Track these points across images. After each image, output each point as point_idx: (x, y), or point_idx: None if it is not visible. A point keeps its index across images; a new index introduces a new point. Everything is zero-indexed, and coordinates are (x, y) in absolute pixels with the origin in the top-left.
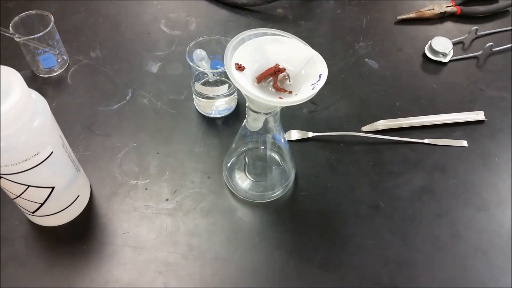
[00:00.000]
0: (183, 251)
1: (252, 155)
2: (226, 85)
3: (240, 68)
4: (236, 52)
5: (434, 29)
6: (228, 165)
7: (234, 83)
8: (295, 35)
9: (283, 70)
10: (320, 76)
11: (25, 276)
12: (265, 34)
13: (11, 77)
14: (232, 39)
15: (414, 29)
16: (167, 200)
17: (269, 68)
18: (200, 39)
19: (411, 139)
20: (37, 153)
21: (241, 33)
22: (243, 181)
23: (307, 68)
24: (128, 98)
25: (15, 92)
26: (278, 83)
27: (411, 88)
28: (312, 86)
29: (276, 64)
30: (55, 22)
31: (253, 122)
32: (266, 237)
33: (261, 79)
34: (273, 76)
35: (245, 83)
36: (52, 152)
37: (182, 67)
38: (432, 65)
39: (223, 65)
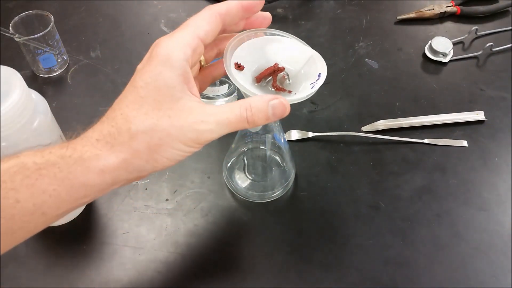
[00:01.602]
0: (183, 251)
1: (252, 155)
2: (226, 85)
3: (239, 67)
4: (235, 52)
5: (434, 29)
6: (228, 165)
7: (234, 83)
8: (295, 35)
9: (282, 69)
10: (319, 75)
11: (25, 276)
12: (265, 34)
13: (11, 77)
14: (232, 39)
15: (414, 29)
16: (167, 200)
17: (268, 68)
18: None
19: (411, 139)
20: None
21: (241, 33)
22: (243, 181)
23: (306, 67)
24: None
25: (15, 92)
26: (278, 83)
27: (411, 88)
28: (312, 85)
29: (275, 64)
30: (55, 22)
31: None
32: (266, 237)
33: (260, 78)
34: (272, 75)
35: (244, 82)
36: None
37: None
38: (432, 65)
39: None
